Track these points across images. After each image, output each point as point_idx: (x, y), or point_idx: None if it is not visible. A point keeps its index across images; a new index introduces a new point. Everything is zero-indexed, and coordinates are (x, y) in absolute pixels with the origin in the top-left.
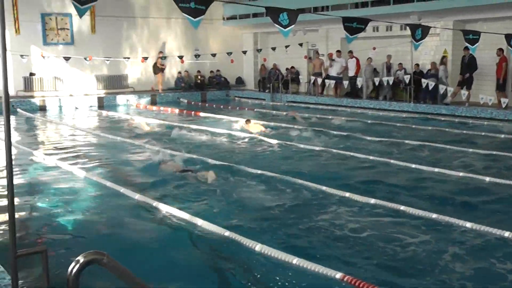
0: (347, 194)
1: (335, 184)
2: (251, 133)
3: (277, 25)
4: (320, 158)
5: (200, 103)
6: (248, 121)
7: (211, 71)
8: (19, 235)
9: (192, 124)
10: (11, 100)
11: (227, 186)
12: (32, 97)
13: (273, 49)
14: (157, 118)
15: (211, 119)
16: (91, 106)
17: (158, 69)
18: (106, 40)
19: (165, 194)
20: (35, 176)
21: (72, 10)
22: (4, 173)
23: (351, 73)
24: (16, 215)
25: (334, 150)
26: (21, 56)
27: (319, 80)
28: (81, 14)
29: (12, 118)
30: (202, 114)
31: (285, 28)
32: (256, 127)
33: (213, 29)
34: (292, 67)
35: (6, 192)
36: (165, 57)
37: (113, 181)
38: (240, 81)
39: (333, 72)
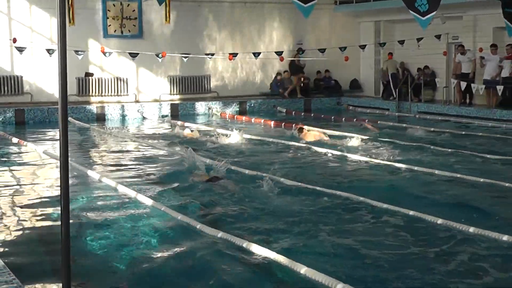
0: (471, 230)
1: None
2: (308, 142)
3: (413, 12)
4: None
5: (303, 114)
6: (301, 129)
7: (318, 72)
8: (74, 280)
9: (291, 141)
10: None
11: (331, 223)
12: (88, 103)
13: (401, 42)
14: (247, 132)
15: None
16: (162, 116)
17: (297, 68)
18: (183, 32)
19: (252, 230)
20: (91, 203)
21: None
22: (56, 199)
23: (505, 73)
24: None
25: (469, 177)
26: (76, 52)
27: (463, 85)
28: (161, 0)
29: None
30: (305, 128)
31: (423, 16)
32: (312, 135)
33: (321, 17)
34: (426, 67)
35: (59, 224)
36: (303, 51)
37: (188, 215)
38: (356, 85)
39: (486, 74)
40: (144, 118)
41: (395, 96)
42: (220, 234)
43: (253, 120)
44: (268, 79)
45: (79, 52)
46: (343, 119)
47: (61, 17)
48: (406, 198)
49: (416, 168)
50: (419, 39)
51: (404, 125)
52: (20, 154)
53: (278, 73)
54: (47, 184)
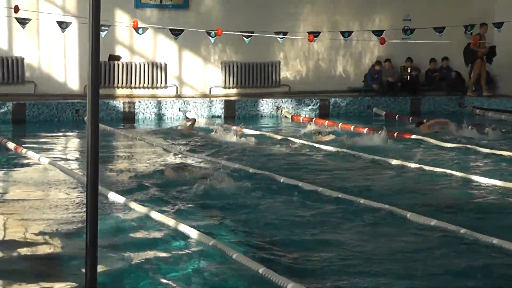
0: None
1: None
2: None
3: None
4: None
5: (409, 118)
6: (320, 134)
7: (432, 60)
8: None
9: (398, 158)
10: (75, 101)
11: None
12: (112, 97)
13: None
14: (327, 143)
15: (430, 146)
16: (212, 117)
17: (472, 54)
18: (245, 3)
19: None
20: (115, 236)
21: None
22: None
23: None
24: None
25: None
26: None
27: None
28: None
29: (74, 133)
30: (414, 137)
31: None
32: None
33: None
34: None
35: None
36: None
37: (245, 254)
38: (486, 79)
39: None
40: (187, 118)
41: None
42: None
43: (339, 125)
44: (361, 69)
45: (102, 27)
46: (470, 127)
47: None
48: None
49: None
50: None
51: None
52: (16, 166)
53: (378, 61)
54: (53, 211)
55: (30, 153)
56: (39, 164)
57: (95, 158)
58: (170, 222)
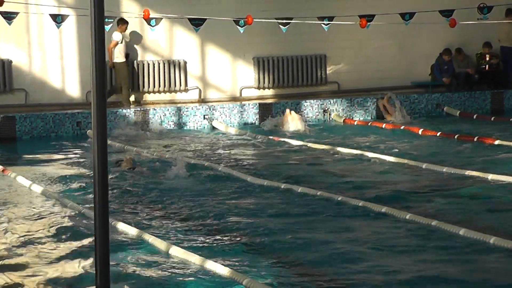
0: None
1: None
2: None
3: None
4: None
5: (492, 118)
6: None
7: None
8: None
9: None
10: (75, 111)
11: None
12: (121, 104)
13: None
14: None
15: None
16: (244, 124)
17: None
18: None
19: None
20: (129, 277)
21: None
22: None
23: None
24: None
25: None
26: None
27: None
28: None
29: (76, 151)
30: (497, 142)
31: None
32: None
33: None
34: None
35: None
36: None
37: None
38: None
39: None
40: (212, 128)
41: None
42: None
43: (402, 127)
44: (427, 60)
45: (106, 20)
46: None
47: None
48: None
49: None
50: None
51: None
52: (2, 194)
53: (446, 49)
54: (48, 253)
55: (20, 179)
56: (29, 191)
57: (104, 180)
58: (194, 258)
